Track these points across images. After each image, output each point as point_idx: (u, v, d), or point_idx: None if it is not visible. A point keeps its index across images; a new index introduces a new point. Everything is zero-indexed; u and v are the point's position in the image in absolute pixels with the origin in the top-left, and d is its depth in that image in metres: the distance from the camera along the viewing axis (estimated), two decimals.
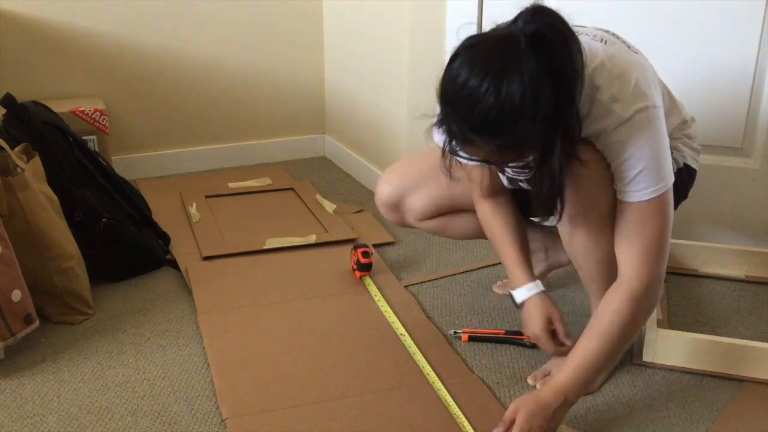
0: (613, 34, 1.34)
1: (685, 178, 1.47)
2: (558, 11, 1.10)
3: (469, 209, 1.57)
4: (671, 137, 1.39)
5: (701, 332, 1.55)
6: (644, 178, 1.22)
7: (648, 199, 1.23)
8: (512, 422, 1.21)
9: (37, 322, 1.54)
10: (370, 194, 2.47)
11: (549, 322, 1.39)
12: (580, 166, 1.19)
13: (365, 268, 1.83)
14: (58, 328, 1.64)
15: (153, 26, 2.47)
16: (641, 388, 1.44)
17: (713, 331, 1.62)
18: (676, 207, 1.40)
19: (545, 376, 1.45)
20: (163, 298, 1.78)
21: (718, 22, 1.83)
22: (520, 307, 1.42)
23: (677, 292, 1.80)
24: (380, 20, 2.33)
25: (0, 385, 1.44)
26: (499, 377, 1.48)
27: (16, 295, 1.48)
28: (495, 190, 1.46)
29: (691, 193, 1.98)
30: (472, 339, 1.59)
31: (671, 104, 1.43)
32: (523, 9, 1.08)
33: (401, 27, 2.18)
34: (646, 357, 1.51)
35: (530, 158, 1.17)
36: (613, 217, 1.29)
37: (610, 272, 1.33)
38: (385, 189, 1.65)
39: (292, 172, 2.63)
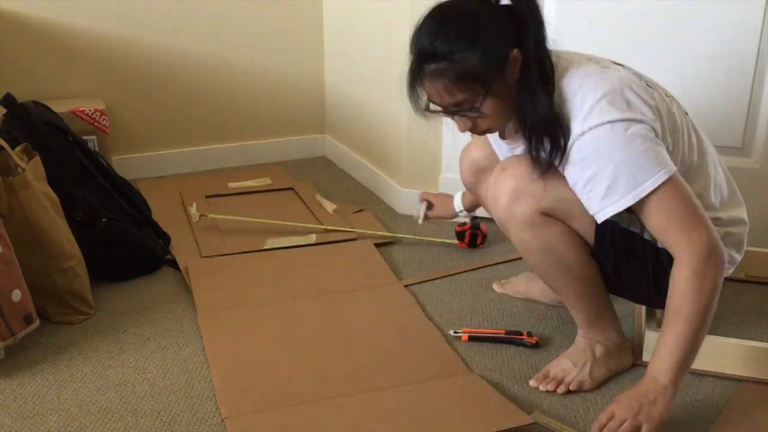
0: (620, 64, 1.36)
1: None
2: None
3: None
4: None
5: None
6: (614, 191, 1.21)
7: (641, 200, 1.21)
8: (612, 414, 1.22)
9: (37, 322, 1.54)
10: (371, 194, 2.47)
11: (438, 199, 1.89)
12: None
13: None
14: (58, 328, 1.64)
15: (153, 26, 2.47)
16: None
17: (713, 331, 1.61)
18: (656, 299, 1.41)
19: (546, 377, 1.45)
20: (163, 298, 1.78)
21: (718, 21, 1.83)
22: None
23: None
24: (380, 20, 2.33)
25: (0, 385, 1.44)
26: (499, 377, 1.48)
27: (16, 294, 1.48)
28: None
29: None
30: (472, 339, 1.59)
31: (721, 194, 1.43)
32: None
33: (401, 27, 2.18)
34: (646, 357, 1.51)
35: (485, 101, 1.25)
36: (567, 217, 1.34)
37: (556, 281, 1.42)
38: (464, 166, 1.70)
39: (292, 172, 2.63)
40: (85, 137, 2.10)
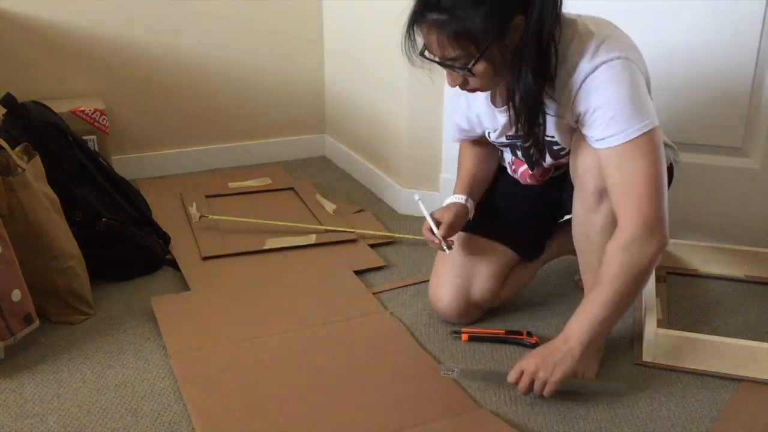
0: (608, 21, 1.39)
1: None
2: None
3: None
4: None
5: (701, 332, 1.55)
6: (617, 122, 1.24)
7: (623, 143, 1.24)
8: (521, 371, 1.32)
9: (37, 322, 1.54)
10: (371, 194, 2.47)
11: (449, 219, 1.51)
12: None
13: None
14: (58, 328, 1.64)
15: (153, 26, 2.47)
16: (641, 388, 1.44)
17: (713, 331, 1.62)
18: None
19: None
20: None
21: (718, 22, 1.83)
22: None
23: (677, 292, 1.80)
24: (380, 20, 2.33)
25: (0, 385, 1.44)
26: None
27: (16, 294, 1.48)
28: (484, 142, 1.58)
29: (692, 192, 1.99)
30: (472, 339, 1.59)
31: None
32: None
33: (401, 27, 2.18)
34: (646, 357, 1.51)
35: (477, 63, 1.23)
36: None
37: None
38: (445, 298, 1.61)
39: (292, 172, 2.63)
40: (85, 137, 2.10)
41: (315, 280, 1.84)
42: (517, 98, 1.29)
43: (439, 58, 1.27)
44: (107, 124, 2.29)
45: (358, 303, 1.72)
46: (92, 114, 2.25)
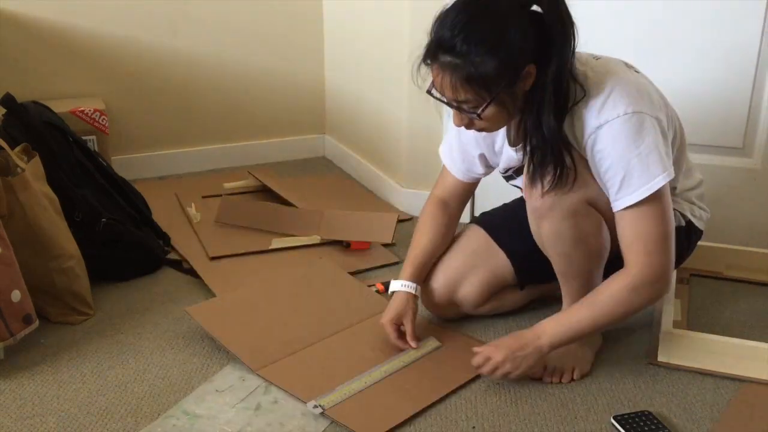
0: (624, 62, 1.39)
1: (683, 236, 1.47)
2: None
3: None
4: (681, 198, 1.48)
5: (716, 333, 1.55)
6: (628, 183, 1.26)
7: (637, 202, 1.26)
8: (488, 357, 1.36)
9: (36, 323, 1.54)
10: (370, 194, 2.47)
11: (399, 318, 1.51)
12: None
13: None
14: (58, 329, 1.64)
15: (153, 26, 2.47)
16: (642, 389, 1.44)
17: (714, 331, 1.61)
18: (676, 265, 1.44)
19: (544, 368, 1.46)
20: (163, 298, 1.78)
21: (719, 22, 1.83)
22: (390, 295, 1.55)
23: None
24: (380, 20, 2.33)
25: (0, 386, 1.44)
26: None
27: (16, 295, 1.48)
28: (454, 192, 1.60)
29: None
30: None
31: (687, 166, 1.49)
32: None
33: (401, 27, 2.18)
34: (662, 358, 1.51)
35: (487, 107, 1.24)
36: (586, 209, 1.34)
37: (578, 266, 1.40)
38: (434, 289, 1.61)
39: (292, 172, 2.63)
40: (84, 137, 2.10)
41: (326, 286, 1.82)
42: (535, 145, 1.28)
43: (447, 99, 1.27)
44: (107, 124, 2.28)
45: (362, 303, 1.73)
46: (92, 114, 2.25)
